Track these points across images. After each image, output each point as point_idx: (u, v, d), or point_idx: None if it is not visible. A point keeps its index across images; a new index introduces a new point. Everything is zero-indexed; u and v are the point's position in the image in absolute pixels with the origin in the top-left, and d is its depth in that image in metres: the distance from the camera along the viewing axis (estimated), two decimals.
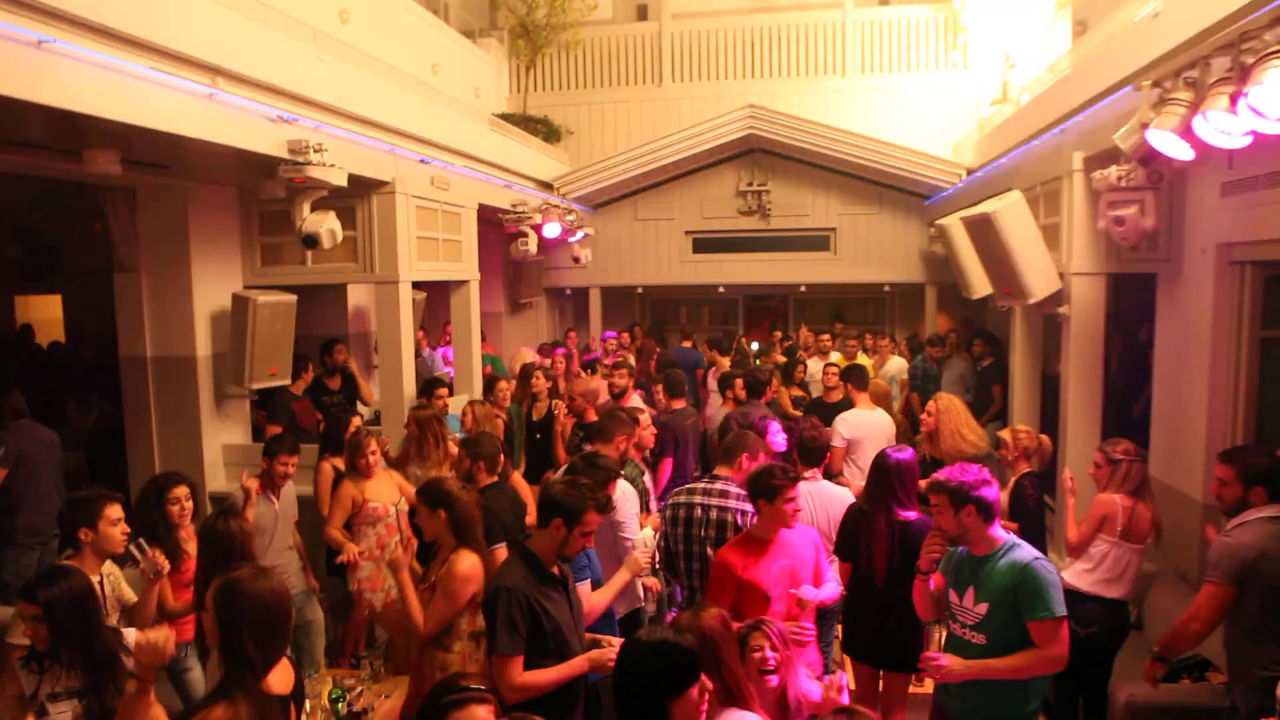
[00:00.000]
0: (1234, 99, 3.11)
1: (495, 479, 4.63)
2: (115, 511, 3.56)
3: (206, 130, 4.41)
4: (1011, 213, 5.70)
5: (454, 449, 6.06)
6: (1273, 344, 4.93)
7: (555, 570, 3.20)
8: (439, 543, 3.64)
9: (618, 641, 3.26)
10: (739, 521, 4.06)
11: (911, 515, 4.08)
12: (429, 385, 6.46)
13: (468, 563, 3.47)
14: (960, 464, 3.34)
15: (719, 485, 4.23)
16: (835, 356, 9.82)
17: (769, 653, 2.92)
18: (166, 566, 3.63)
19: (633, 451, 5.17)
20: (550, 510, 3.16)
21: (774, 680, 2.92)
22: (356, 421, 5.56)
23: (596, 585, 3.75)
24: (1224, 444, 5.03)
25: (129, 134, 4.15)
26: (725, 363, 8.76)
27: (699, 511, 4.15)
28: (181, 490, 4.16)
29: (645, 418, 5.38)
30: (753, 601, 3.51)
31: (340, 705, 4.04)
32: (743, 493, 4.20)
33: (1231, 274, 4.97)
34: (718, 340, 9.48)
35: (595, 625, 3.67)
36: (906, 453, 4.44)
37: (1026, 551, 3.19)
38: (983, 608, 3.17)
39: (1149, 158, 4.27)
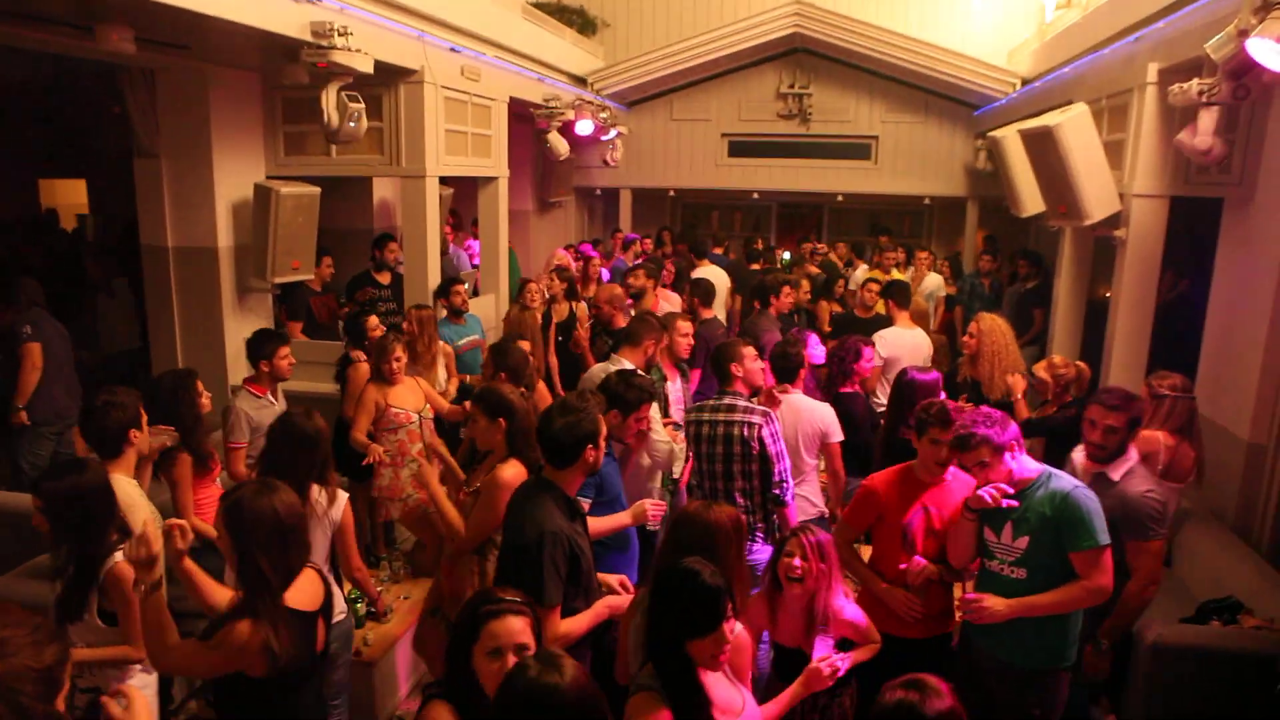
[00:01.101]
0: None
1: (522, 391, 4.49)
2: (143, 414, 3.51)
3: (224, 7, 4.16)
4: (1075, 126, 5.34)
5: (448, 349, 5.93)
6: None
7: (577, 502, 3.08)
8: (493, 451, 3.53)
9: (615, 581, 3.20)
10: (745, 434, 3.99)
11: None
12: (447, 284, 6.31)
13: (512, 470, 3.36)
14: (975, 414, 3.14)
15: (726, 400, 4.16)
16: (862, 270, 9.59)
17: (797, 561, 2.96)
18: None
19: (662, 358, 5.03)
20: (578, 443, 2.94)
21: (797, 589, 2.96)
22: (376, 325, 5.41)
23: (614, 505, 3.65)
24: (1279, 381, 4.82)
25: (143, 9, 3.93)
26: (705, 265, 8.54)
27: (706, 429, 4.09)
28: (200, 384, 4.10)
29: (685, 325, 5.19)
30: (890, 541, 3.37)
31: (359, 605, 4.06)
32: (751, 405, 4.15)
33: None
34: (698, 241, 9.26)
35: (615, 547, 3.60)
36: (930, 375, 4.36)
37: (1065, 481, 3.07)
38: (1022, 542, 3.05)
39: (1240, 70, 3.92)
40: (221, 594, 2.65)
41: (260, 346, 4.67)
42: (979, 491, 3.06)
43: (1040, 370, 4.75)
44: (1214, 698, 3.71)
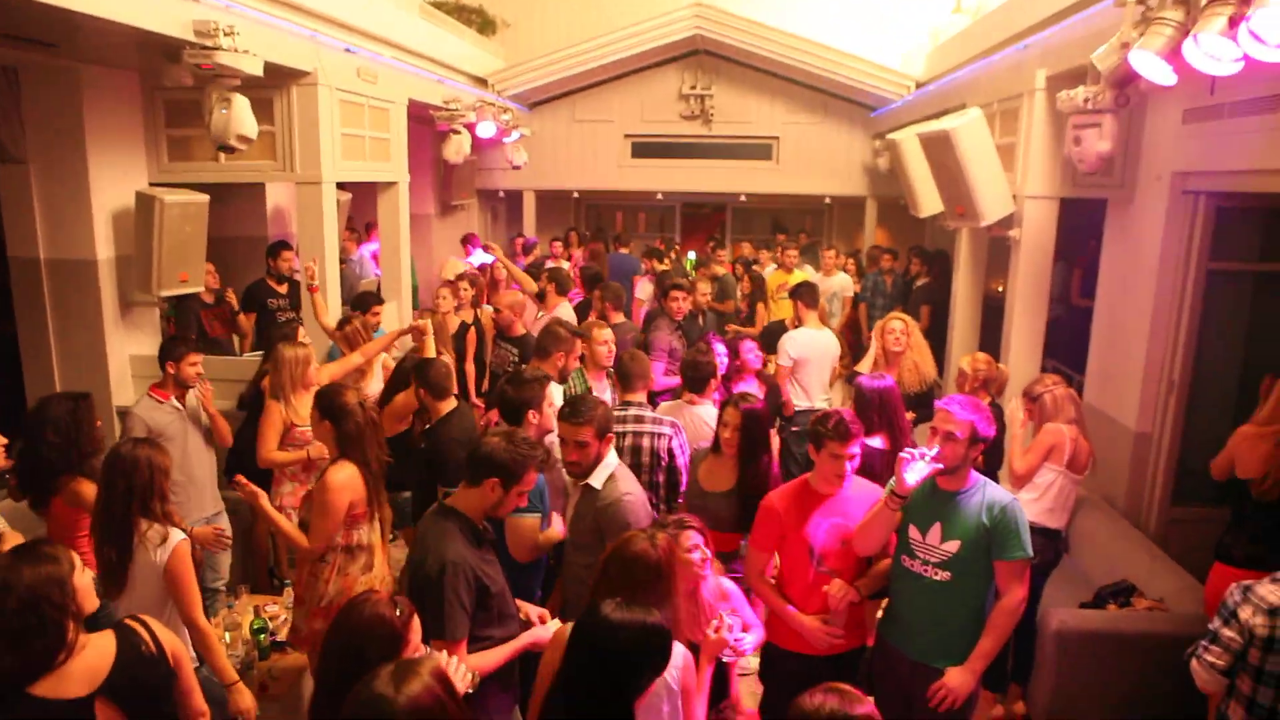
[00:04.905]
0: (1234, 22, 2.92)
1: (451, 404, 4.33)
2: None
3: (96, 4, 3.87)
4: (971, 131, 5.51)
5: (389, 362, 5.76)
6: (1220, 276, 4.95)
7: (484, 528, 2.93)
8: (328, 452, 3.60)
9: (534, 613, 3.08)
10: (655, 446, 3.99)
11: (877, 444, 4.00)
12: (364, 299, 6.04)
13: (342, 474, 3.42)
14: (969, 399, 3.18)
15: (633, 411, 4.12)
16: (771, 270, 9.72)
17: (698, 556, 2.93)
18: None
19: (588, 367, 4.94)
20: (487, 468, 2.82)
21: (706, 572, 2.97)
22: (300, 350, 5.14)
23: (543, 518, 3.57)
24: (1162, 373, 5.09)
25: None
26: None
27: (614, 440, 4.03)
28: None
29: (601, 332, 5.02)
30: (796, 556, 3.29)
31: (263, 637, 3.86)
32: (659, 416, 4.14)
33: (1184, 203, 4.92)
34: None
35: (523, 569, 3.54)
36: (886, 380, 4.28)
37: (1002, 492, 3.13)
38: (952, 545, 3.07)
39: (1124, 80, 4.09)
40: None
41: (169, 350, 4.54)
42: (906, 473, 3.00)
43: (964, 362, 4.85)
44: (1115, 677, 3.90)
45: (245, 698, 3.16)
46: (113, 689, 2.21)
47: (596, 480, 3.28)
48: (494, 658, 2.79)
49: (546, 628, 2.96)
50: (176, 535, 3.09)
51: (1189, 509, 5.03)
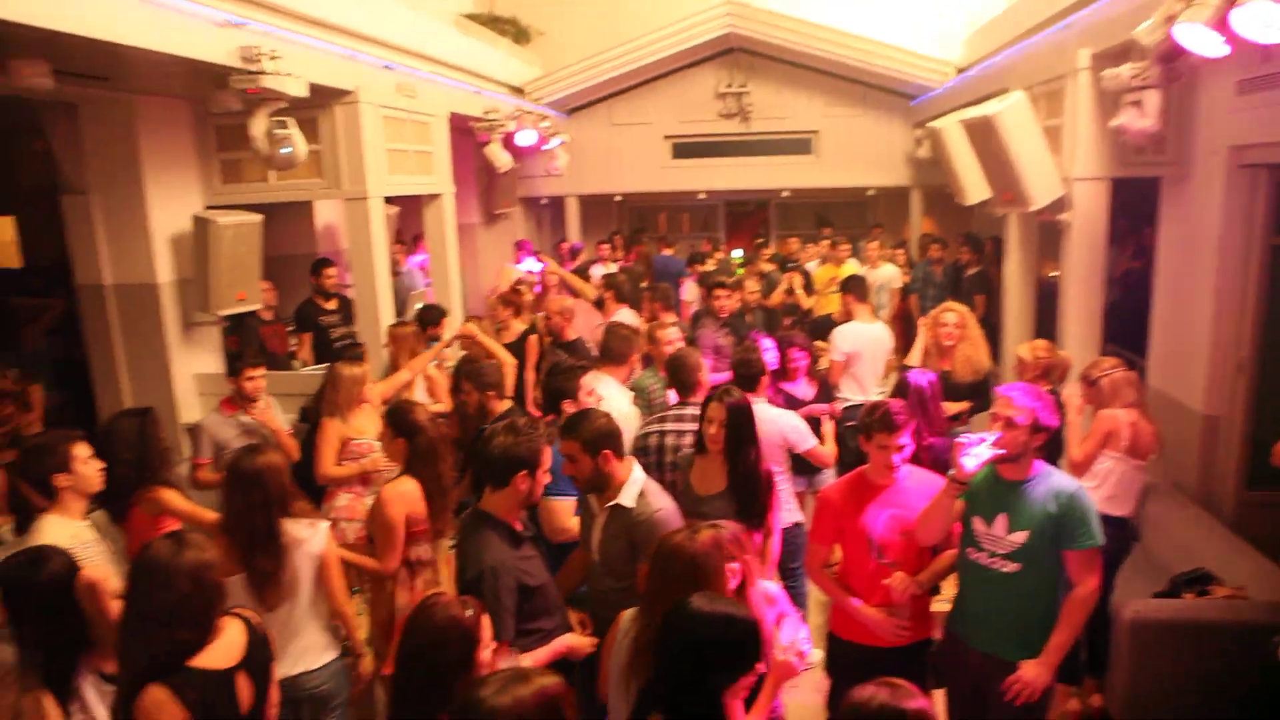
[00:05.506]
0: None
1: (508, 404, 4.45)
2: (84, 450, 3.34)
3: (145, 37, 4.00)
4: (1014, 115, 5.41)
5: (433, 374, 5.85)
6: None
7: (520, 526, 3.00)
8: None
9: (574, 619, 3.14)
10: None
11: (937, 442, 3.96)
12: (431, 313, 6.18)
13: (397, 488, 3.60)
14: (1030, 386, 3.13)
15: (689, 410, 4.11)
16: (813, 265, 9.66)
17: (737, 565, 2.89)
18: None
19: (661, 366, 4.95)
20: (510, 466, 2.90)
21: (734, 583, 2.88)
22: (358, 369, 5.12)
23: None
24: (1229, 353, 4.94)
25: (57, 42, 3.74)
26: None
27: (670, 439, 4.05)
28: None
29: (665, 333, 5.05)
30: (856, 548, 3.28)
31: None
32: None
33: (1242, 178, 4.77)
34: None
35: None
36: (929, 375, 4.30)
37: (1068, 479, 3.07)
38: (1020, 536, 3.01)
39: (1169, 55, 3.99)
40: None
41: (232, 365, 4.91)
42: (965, 459, 2.95)
43: (1023, 349, 4.76)
44: (1194, 669, 3.77)
45: (367, 662, 3.57)
46: (249, 664, 2.45)
47: (627, 499, 3.16)
48: (538, 660, 2.85)
49: (582, 638, 3.04)
50: (322, 523, 3.27)
51: (1264, 493, 4.87)
